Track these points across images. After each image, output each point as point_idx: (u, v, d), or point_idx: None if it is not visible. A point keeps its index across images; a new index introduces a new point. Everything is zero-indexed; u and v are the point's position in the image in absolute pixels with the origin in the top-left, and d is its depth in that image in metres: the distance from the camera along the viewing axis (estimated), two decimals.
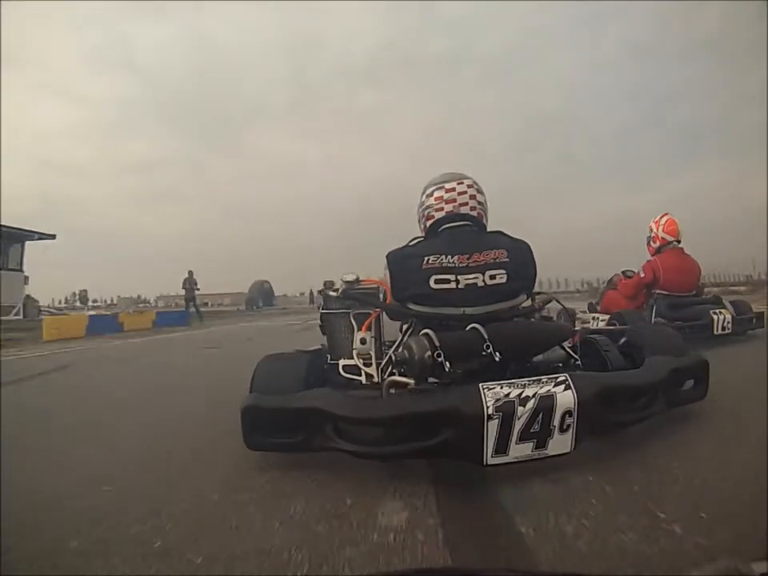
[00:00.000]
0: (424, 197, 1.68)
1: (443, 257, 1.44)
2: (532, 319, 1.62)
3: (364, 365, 1.56)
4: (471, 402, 1.03)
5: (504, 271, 1.44)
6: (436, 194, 1.62)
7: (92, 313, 11.50)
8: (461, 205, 1.58)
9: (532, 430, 1.03)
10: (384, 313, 1.64)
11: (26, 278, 13.39)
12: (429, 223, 1.63)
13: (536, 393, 1.04)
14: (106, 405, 2.32)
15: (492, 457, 1.03)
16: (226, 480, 1.21)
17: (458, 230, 1.56)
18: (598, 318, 3.75)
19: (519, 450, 1.04)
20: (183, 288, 11.41)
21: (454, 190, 1.60)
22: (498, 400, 1.02)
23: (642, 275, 3.59)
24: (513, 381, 1.08)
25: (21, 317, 11.52)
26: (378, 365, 1.56)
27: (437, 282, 1.43)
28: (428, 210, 1.64)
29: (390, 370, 1.43)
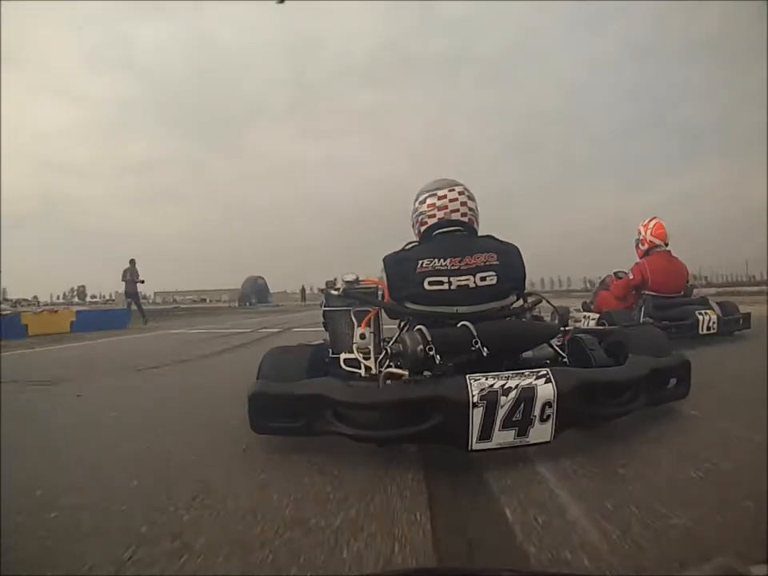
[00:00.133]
0: (417, 203, 1.75)
1: (436, 260, 1.52)
2: (523, 319, 1.70)
3: (363, 358, 1.64)
4: (458, 390, 1.11)
5: (494, 273, 1.51)
6: (429, 201, 1.69)
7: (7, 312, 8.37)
8: (452, 211, 1.66)
9: (514, 419, 1.11)
10: (383, 310, 1.72)
11: None
12: (422, 229, 1.71)
13: (518, 384, 1.12)
14: None
15: (477, 442, 1.11)
16: None
17: (450, 234, 1.64)
18: (588, 317, 3.84)
19: (502, 437, 1.11)
20: (123, 280, 9.32)
21: (445, 197, 1.67)
22: (482, 390, 1.10)
23: (631, 277, 3.67)
24: (497, 373, 1.16)
25: None
26: (376, 358, 1.63)
27: (430, 283, 1.51)
28: (421, 216, 1.71)
29: (387, 363, 1.52)
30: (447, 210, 1.65)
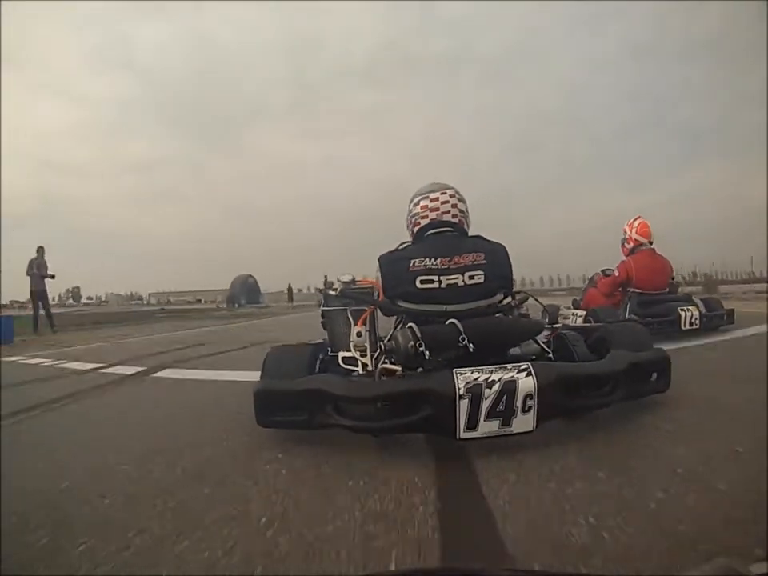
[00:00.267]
0: (411, 206, 1.82)
1: (427, 259, 1.58)
2: (510, 316, 1.77)
3: (360, 356, 1.69)
4: (446, 383, 1.17)
5: (482, 272, 1.57)
6: (422, 204, 1.76)
7: None
8: (443, 213, 1.72)
9: (498, 410, 1.16)
10: (378, 309, 1.78)
11: None
12: (416, 229, 1.78)
13: (501, 378, 1.18)
14: None
15: (464, 431, 1.17)
16: None
17: (441, 235, 1.70)
18: (576, 314, 3.92)
19: (487, 427, 1.17)
20: (28, 275, 7.17)
21: (437, 199, 1.74)
22: (468, 382, 1.17)
23: (617, 274, 3.76)
24: (482, 367, 1.22)
25: None
26: (372, 356, 1.68)
27: (422, 282, 1.57)
28: (415, 218, 1.79)
29: (382, 359, 1.58)
30: (439, 212, 1.72)
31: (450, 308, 1.53)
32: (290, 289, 26.24)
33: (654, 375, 1.57)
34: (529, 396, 1.18)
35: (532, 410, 1.19)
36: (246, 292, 30.13)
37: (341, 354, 1.72)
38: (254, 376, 1.65)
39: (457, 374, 1.20)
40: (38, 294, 7.32)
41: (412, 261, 1.59)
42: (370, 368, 1.63)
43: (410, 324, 1.36)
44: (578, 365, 1.52)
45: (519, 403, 1.18)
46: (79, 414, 2.08)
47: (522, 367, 1.22)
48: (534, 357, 1.57)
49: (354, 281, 1.76)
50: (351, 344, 1.70)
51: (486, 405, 1.16)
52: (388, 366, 1.41)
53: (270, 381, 1.46)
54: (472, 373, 1.20)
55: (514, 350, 1.59)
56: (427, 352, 1.28)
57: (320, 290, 1.92)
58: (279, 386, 1.40)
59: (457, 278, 1.56)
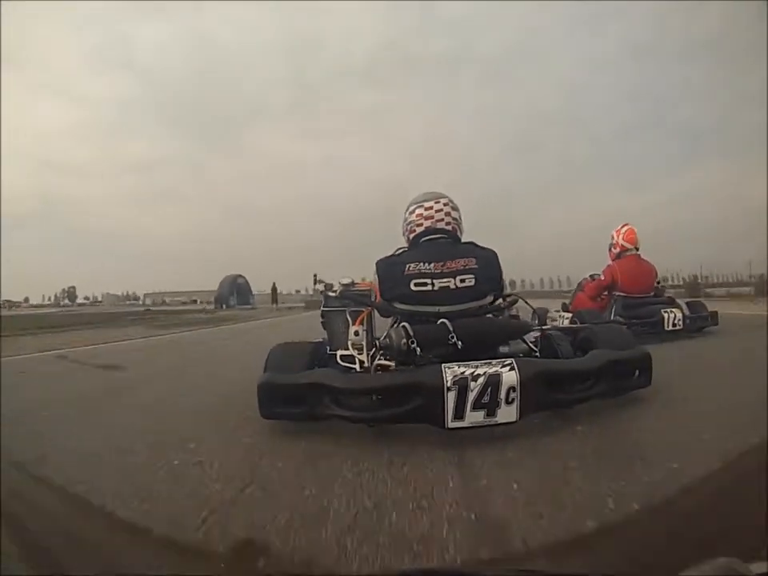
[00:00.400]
0: (407, 214, 1.92)
1: (422, 264, 1.68)
2: (500, 317, 1.86)
3: (357, 353, 1.78)
4: (435, 377, 1.26)
5: (472, 276, 1.66)
6: (417, 212, 1.86)
7: None
8: (437, 221, 1.82)
9: (483, 401, 1.24)
10: (375, 310, 1.86)
11: None
12: (411, 236, 1.88)
13: (485, 372, 1.26)
14: None
15: (452, 421, 1.24)
16: None
17: (435, 242, 1.79)
18: (563, 316, 4.03)
19: (473, 417, 1.25)
20: None
21: (431, 208, 1.84)
22: (455, 376, 1.25)
23: (602, 278, 3.88)
24: (468, 362, 1.30)
25: None
26: (368, 353, 1.77)
27: (416, 285, 1.66)
28: (410, 225, 1.88)
29: (378, 356, 1.67)
30: (433, 220, 1.82)
31: (443, 309, 1.62)
32: (274, 289, 22.16)
33: (636, 372, 1.63)
34: (512, 389, 1.25)
35: (515, 402, 1.26)
36: (235, 293, 28.15)
37: (339, 352, 1.78)
38: None
39: (445, 368, 1.28)
40: None
41: (407, 265, 1.69)
42: (366, 365, 1.69)
43: (402, 323, 1.45)
44: (560, 361, 1.61)
45: (503, 395, 1.25)
46: None
47: (506, 363, 1.30)
48: (521, 355, 1.64)
49: (353, 283, 1.84)
50: (349, 342, 1.78)
51: (471, 396, 1.24)
52: (383, 361, 1.50)
53: (273, 375, 1.52)
54: (459, 367, 1.28)
55: (504, 349, 1.66)
56: (418, 349, 1.37)
57: (321, 292, 2.01)
58: (281, 380, 1.47)
59: (449, 282, 1.65)
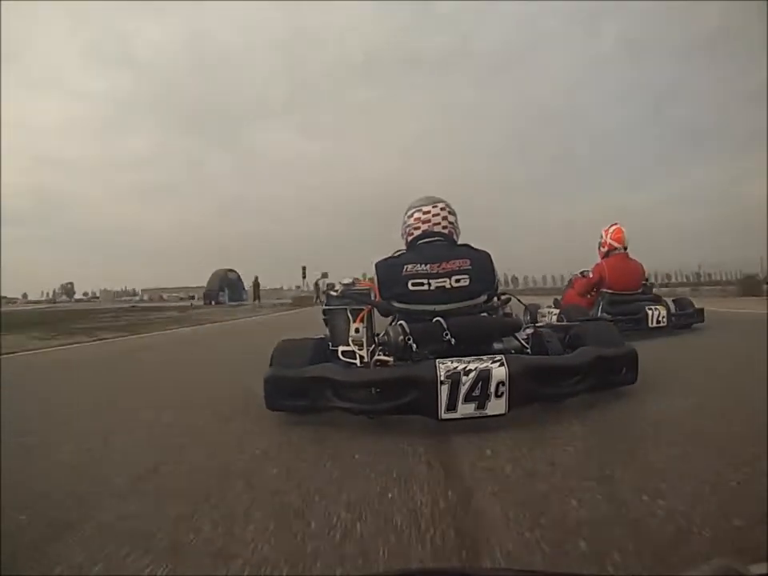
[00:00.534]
0: (406, 217, 2.00)
1: (419, 265, 1.76)
2: (493, 315, 1.94)
3: (358, 350, 1.84)
4: (429, 371, 1.33)
5: (467, 276, 1.74)
6: (415, 216, 1.94)
7: None
8: (434, 225, 1.91)
9: (473, 394, 1.31)
10: (374, 308, 1.93)
11: None
12: (409, 239, 1.96)
13: (476, 367, 1.33)
14: None
15: (445, 413, 1.32)
16: None
17: (432, 244, 1.87)
18: (551, 313, 4.13)
19: (465, 409, 1.32)
20: None
21: (429, 212, 1.92)
22: (448, 371, 1.32)
23: (591, 276, 3.97)
24: (461, 358, 1.38)
25: None
26: (368, 349, 1.83)
27: (413, 285, 1.75)
28: (409, 228, 1.96)
29: (377, 352, 1.75)
30: (430, 224, 1.90)
31: (438, 308, 1.71)
32: (255, 284, 19.33)
33: (623, 369, 1.66)
34: (501, 383, 1.33)
35: (504, 396, 1.34)
36: (226, 288, 26.17)
37: (340, 348, 1.85)
38: None
39: (438, 363, 1.36)
40: None
41: (405, 266, 1.77)
42: (366, 360, 1.77)
43: (400, 321, 1.54)
44: (548, 357, 1.68)
45: (493, 389, 1.33)
46: None
47: (496, 359, 1.38)
48: (513, 351, 1.72)
49: (353, 283, 1.92)
50: (350, 339, 1.85)
51: (463, 390, 1.32)
52: (382, 357, 1.58)
53: (279, 369, 1.59)
54: (452, 362, 1.36)
55: (498, 345, 1.74)
56: (414, 345, 1.46)
57: (324, 292, 2.08)
58: (287, 374, 1.54)
59: (444, 282, 1.73)
